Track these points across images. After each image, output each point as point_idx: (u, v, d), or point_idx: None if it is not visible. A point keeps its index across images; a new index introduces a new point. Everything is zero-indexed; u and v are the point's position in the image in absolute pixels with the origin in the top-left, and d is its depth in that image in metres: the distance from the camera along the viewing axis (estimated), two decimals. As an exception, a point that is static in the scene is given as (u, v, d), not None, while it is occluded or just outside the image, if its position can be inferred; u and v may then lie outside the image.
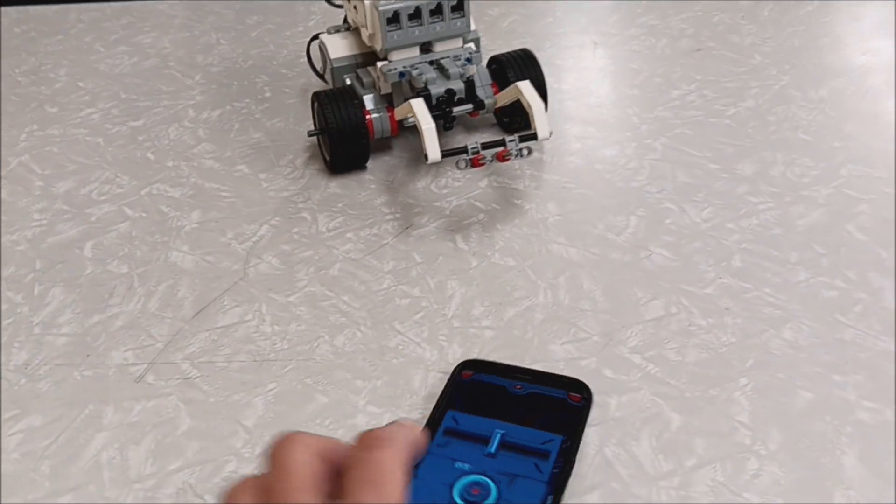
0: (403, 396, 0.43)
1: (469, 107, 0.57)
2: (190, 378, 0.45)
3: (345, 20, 0.64)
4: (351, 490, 0.25)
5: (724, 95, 0.68)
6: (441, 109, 0.56)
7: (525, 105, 0.52)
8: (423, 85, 0.57)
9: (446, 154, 0.51)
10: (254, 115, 0.69)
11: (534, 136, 0.52)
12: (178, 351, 0.47)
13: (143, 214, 0.58)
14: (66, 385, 0.45)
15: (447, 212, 0.57)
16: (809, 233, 0.53)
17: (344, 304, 0.50)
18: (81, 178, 0.62)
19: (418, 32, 0.57)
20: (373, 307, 0.49)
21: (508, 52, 0.62)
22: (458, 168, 0.52)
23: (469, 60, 0.58)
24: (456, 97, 0.57)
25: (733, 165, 0.59)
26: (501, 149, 0.51)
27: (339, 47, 0.62)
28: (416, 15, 0.56)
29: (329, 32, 0.63)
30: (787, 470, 0.39)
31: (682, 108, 0.67)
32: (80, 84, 0.75)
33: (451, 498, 0.37)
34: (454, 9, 0.57)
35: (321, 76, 0.67)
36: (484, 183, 0.59)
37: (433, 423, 0.40)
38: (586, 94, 0.70)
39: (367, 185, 0.60)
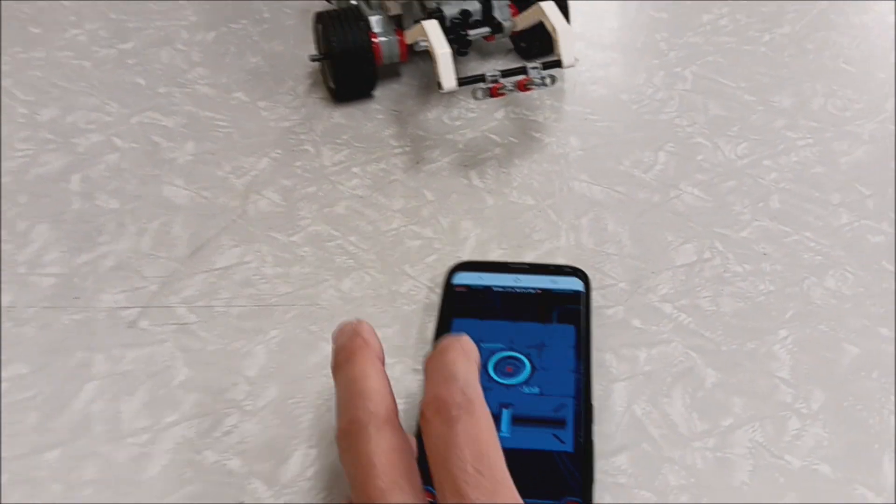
0: (417, 346, 0.40)
1: (486, 30, 0.52)
2: (186, 324, 0.42)
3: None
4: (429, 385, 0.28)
5: (758, 20, 0.63)
6: (455, 32, 0.51)
7: (549, 28, 0.48)
8: (435, 5, 0.52)
9: (462, 82, 0.47)
10: (251, 37, 0.64)
11: (558, 63, 0.47)
12: (173, 294, 0.44)
13: (134, 145, 0.54)
14: (52, 330, 0.42)
15: (460, 145, 0.52)
16: (853, 171, 0.49)
17: (351, 244, 0.46)
18: (67, 104, 0.58)
19: None
20: (382, 249, 0.46)
21: None
22: (475, 98, 0.47)
23: None
24: (471, 19, 0.52)
25: (770, 97, 0.55)
26: (523, 77, 0.47)
27: None
28: None
29: None
30: (832, 431, 0.36)
31: (714, 33, 0.62)
32: (65, 3, 0.70)
33: (488, 375, 0.36)
34: None
35: None
36: (500, 114, 0.55)
37: (442, 332, 0.38)
38: (609, 16, 0.65)
39: (374, 115, 0.55)
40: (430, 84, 0.58)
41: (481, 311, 0.39)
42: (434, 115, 0.55)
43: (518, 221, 0.47)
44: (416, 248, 0.46)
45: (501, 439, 0.30)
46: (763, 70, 0.58)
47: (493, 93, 0.47)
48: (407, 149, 0.52)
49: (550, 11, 0.48)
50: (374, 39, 0.54)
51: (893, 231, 0.45)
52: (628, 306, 0.42)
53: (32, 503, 0.35)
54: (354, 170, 0.51)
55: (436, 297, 0.43)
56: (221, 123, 0.55)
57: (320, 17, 0.54)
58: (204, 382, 0.39)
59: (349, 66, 0.53)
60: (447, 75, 0.46)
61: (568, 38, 0.47)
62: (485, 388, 0.33)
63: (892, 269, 0.43)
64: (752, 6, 0.65)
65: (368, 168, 0.51)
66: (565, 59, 0.47)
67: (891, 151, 0.50)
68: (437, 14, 0.51)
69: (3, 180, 0.51)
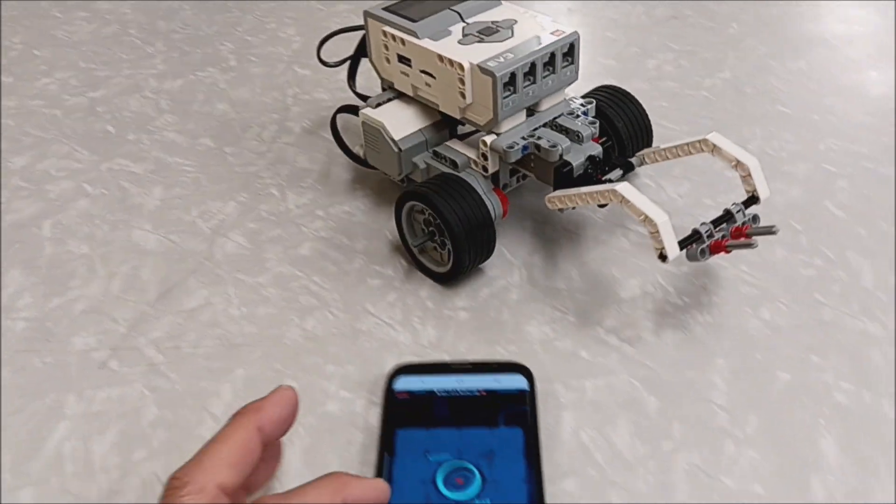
0: (377, 382, 0.42)
1: (619, 173, 0.48)
2: (155, 364, 0.44)
3: (383, 86, 0.52)
4: None
5: (700, 66, 0.67)
6: (590, 181, 0.46)
7: (730, 162, 0.45)
8: (558, 157, 0.46)
9: (682, 245, 0.42)
10: (218, 84, 0.67)
11: (755, 200, 0.44)
12: (143, 336, 0.45)
13: (104, 191, 0.56)
14: (26, 373, 0.43)
15: (420, 187, 0.55)
16: (788, 210, 0.52)
17: (314, 284, 0.48)
18: (38, 152, 0.60)
19: (532, 93, 0.46)
20: (344, 288, 0.48)
21: (595, 90, 0.54)
22: (699, 259, 0.43)
23: (586, 114, 0.49)
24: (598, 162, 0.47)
25: (711, 139, 0.58)
26: (735, 225, 0.43)
27: (400, 124, 0.49)
28: (529, 72, 0.45)
29: (372, 106, 0.50)
30: (765, 454, 0.38)
31: (659, 78, 0.65)
32: (37, 52, 0.72)
33: (438, 490, 0.35)
34: (565, 55, 0.47)
35: (359, 160, 0.53)
36: (457, 157, 0.57)
37: (386, 447, 0.37)
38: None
39: (337, 160, 0.58)
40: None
41: (426, 419, 0.38)
42: (394, 159, 0.57)
43: (474, 260, 0.49)
44: (378, 286, 0.48)
45: None
46: (704, 113, 0.61)
47: (714, 249, 0.43)
48: (368, 192, 0.55)
49: (727, 146, 0.45)
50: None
51: (824, 265, 0.48)
52: (576, 339, 0.44)
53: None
54: (318, 213, 0.53)
55: (395, 334, 0.45)
56: (189, 169, 0.57)
57: (419, 197, 0.46)
58: (173, 421, 0.41)
59: (471, 239, 0.45)
60: (671, 244, 0.41)
61: (760, 171, 0.44)
62: None
63: (823, 300, 0.46)
64: (696, 52, 0.68)
65: (332, 210, 0.53)
66: (762, 193, 0.44)
67: (823, 190, 0.54)
68: (565, 166, 0.46)
69: (-25, 227, 0.53)
